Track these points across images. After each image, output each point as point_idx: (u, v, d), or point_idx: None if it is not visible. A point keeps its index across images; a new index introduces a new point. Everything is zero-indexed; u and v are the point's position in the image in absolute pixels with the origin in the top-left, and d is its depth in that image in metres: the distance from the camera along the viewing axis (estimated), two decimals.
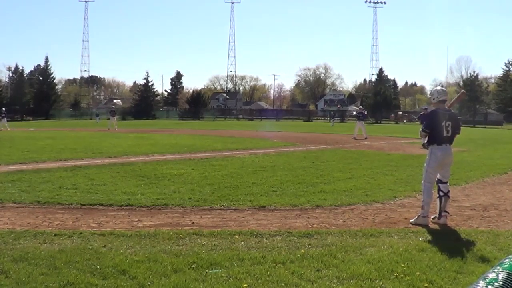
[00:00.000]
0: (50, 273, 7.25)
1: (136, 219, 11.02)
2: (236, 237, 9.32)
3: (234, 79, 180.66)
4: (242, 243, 8.93)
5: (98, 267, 7.47)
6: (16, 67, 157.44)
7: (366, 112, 56.24)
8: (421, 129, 11.52)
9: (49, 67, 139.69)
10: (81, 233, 9.56)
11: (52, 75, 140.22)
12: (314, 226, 10.53)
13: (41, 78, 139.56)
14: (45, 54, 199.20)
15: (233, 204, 12.61)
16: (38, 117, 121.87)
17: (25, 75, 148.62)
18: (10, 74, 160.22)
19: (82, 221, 10.79)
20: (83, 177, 16.72)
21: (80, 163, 20.84)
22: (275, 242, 9.03)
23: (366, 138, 40.86)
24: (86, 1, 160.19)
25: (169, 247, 8.64)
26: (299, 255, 8.12)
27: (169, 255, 8.12)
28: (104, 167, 19.52)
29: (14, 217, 11.18)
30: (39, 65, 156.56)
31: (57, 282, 6.89)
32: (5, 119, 61.10)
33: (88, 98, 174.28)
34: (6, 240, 9.03)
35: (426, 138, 11.50)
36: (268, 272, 7.32)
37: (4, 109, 65.20)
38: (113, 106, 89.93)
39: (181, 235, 9.38)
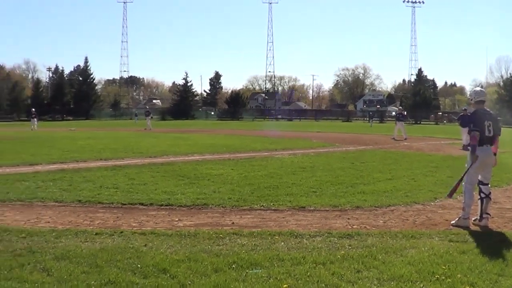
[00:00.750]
0: (91, 271, 7.31)
1: (177, 219, 11.08)
2: (276, 237, 9.31)
3: (273, 79, 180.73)
4: (282, 243, 8.92)
5: (139, 265, 7.52)
6: (56, 68, 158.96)
7: (405, 112, 55.76)
8: (468, 133, 11.35)
9: (88, 68, 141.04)
10: (122, 232, 9.63)
11: (91, 76, 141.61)
12: (354, 227, 10.48)
13: (81, 78, 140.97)
14: (85, 55, 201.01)
15: (273, 204, 12.60)
16: (78, 117, 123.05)
17: (65, 76, 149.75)
18: (50, 75, 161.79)
19: (123, 220, 10.89)
20: (123, 177, 16.87)
21: (120, 163, 21.03)
22: (315, 242, 9.01)
23: (405, 139, 40.51)
24: (124, 2, 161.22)
25: (209, 246, 8.66)
26: (339, 256, 8.09)
27: (209, 254, 8.13)
28: (144, 167, 19.66)
29: (56, 216, 11.32)
30: (78, 65, 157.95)
31: (98, 280, 6.94)
32: (35, 119, 62.44)
33: (127, 98, 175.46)
34: (48, 239, 9.13)
35: (468, 139, 11.36)
36: (308, 273, 7.30)
37: (33, 109, 66.59)
38: (147, 107, 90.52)
39: (221, 235, 9.40)
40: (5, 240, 9.09)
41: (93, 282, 6.87)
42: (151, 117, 67.16)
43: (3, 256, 8.04)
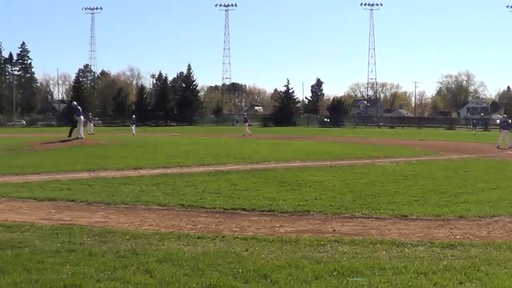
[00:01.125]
0: (193, 274, 7.41)
1: (278, 225, 11.09)
2: (378, 246, 9.20)
3: (375, 86, 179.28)
4: (384, 252, 8.80)
5: (240, 270, 7.56)
6: (160, 75, 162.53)
7: (510, 120, 54.17)
8: None
9: (191, 75, 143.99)
10: (223, 237, 9.72)
11: (194, 82, 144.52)
12: (457, 237, 10.25)
13: (184, 85, 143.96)
14: (188, 62, 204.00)
15: (374, 212, 12.44)
16: (181, 123, 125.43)
17: (168, 82, 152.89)
18: (154, 81, 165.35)
19: (225, 225, 10.99)
20: (225, 182, 17.02)
21: (222, 168, 21.21)
22: (417, 252, 8.85)
23: (510, 147, 39.47)
24: (226, 10, 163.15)
25: (310, 253, 8.62)
26: (441, 267, 7.93)
27: (310, 261, 8.10)
28: (246, 173, 19.78)
29: (159, 219, 11.54)
30: (182, 72, 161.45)
31: (199, 283, 7.02)
32: (134, 125, 64.64)
33: (229, 105, 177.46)
34: (151, 241, 9.32)
35: None
36: (410, 283, 7.19)
37: (134, 116, 68.91)
38: (244, 113, 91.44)
39: (322, 242, 9.35)
40: (110, 241, 9.33)
41: (194, 285, 6.97)
42: (249, 124, 67.96)
43: (108, 257, 8.25)
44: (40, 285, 6.94)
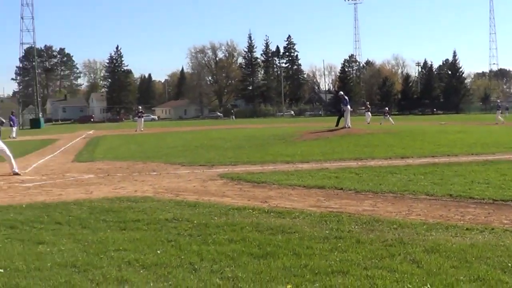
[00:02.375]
0: (460, 266, 7.32)
1: None
2: None
3: None
4: None
5: (509, 264, 7.36)
6: (425, 62, 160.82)
7: None
8: None
9: (457, 61, 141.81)
10: (492, 229, 9.46)
11: (460, 69, 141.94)
12: None
13: (449, 72, 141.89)
14: (453, 48, 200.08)
15: None
16: (447, 111, 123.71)
17: (434, 70, 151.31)
18: (419, 70, 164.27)
19: (494, 217, 10.67)
20: (494, 172, 16.49)
21: (491, 158, 20.60)
22: None
23: None
24: None
25: None
26: None
27: None
28: None
29: (427, 209, 11.47)
30: (447, 59, 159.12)
31: (467, 276, 6.93)
32: (388, 116, 65.65)
33: (497, 92, 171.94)
34: (419, 231, 9.32)
35: None
36: None
37: (387, 108, 69.99)
38: (498, 101, 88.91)
39: None
40: (377, 230, 9.48)
41: (462, 277, 6.88)
42: (501, 112, 66.82)
43: (375, 245, 8.40)
44: (308, 270, 7.22)
